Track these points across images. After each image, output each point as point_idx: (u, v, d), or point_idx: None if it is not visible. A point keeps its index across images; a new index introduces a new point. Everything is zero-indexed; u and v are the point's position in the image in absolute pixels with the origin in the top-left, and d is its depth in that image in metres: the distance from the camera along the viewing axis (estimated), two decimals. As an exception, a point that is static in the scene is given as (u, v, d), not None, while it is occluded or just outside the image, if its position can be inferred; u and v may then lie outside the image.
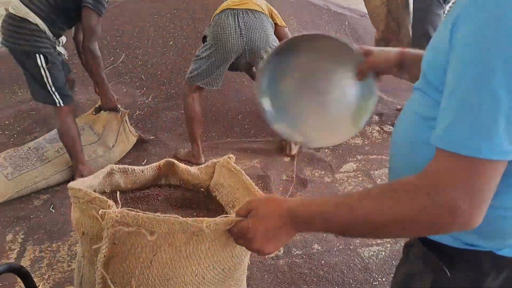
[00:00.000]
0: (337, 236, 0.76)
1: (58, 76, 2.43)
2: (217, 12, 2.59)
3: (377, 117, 3.45)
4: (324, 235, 2.14)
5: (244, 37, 2.52)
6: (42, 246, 2.12)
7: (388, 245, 2.09)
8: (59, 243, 2.14)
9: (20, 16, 2.28)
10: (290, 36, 2.66)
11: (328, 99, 1.04)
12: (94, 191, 1.01)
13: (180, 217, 0.78)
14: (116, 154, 2.85)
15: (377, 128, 3.30)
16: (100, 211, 0.81)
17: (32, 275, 1.92)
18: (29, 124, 3.29)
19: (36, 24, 2.31)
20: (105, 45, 3.92)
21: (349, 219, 0.68)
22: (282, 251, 2.04)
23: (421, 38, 3.01)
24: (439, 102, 0.64)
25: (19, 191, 2.47)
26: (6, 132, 3.24)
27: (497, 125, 0.56)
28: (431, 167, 0.62)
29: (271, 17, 2.70)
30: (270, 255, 2.01)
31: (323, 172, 2.72)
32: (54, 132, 2.83)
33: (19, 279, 1.12)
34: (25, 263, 2.01)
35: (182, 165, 1.20)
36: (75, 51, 2.92)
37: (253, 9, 2.57)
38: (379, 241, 2.12)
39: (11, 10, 2.33)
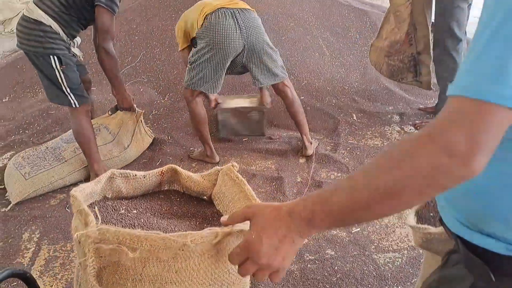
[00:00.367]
0: (342, 225, 0.70)
1: (73, 77, 2.44)
2: (208, 11, 2.49)
3: (397, 117, 3.35)
4: (338, 240, 2.08)
5: (244, 36, 2.48)
6: (56, 246, 2.15)
7: (405, 251, 2.02)
8: (73, 243, 2.14)
9: (34, 18, 2.30)
10: None
11: None
12: (93, 198, 1.00)
13: (161, 233, 0.76)
14: (132, 154, 2.86)
15: (397, 128, 3.20)
16: (75, 233, 0.80)
17: (46, 274, 1.97)
18: (49, 124, 3.35)
19: (50, 26, 2.32)
20: (123, 45, 3.95)
21: (350, 193, 0.64)
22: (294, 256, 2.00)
23: (444, 35, 2.87)
24: None
25: (36, 190, 2.51)
26: (26, 131, 3.30)
27: (508, 72, 0.55)
28: (437, 116, 0.60)
29: None
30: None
31: (339, 174, 2.65)
32: (70, 132, 2.86)
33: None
34: (39, 262, 2.04)
35: (184, 172, 1.17)
36: (93, 50, 2.94)
37: (247, 9, 2.55)
38: (395, 247, 2.04)
39: (25, 13, 2.35)
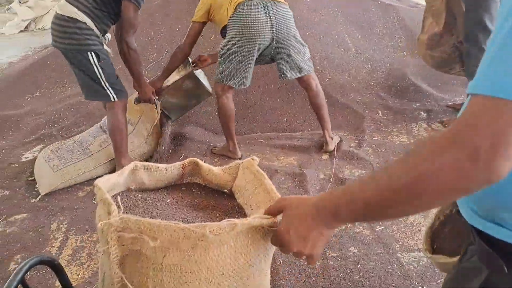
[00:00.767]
0: (366, 220, 0.74)
1: (111, 71, 2.50)
2: (239, 0, 2.47)
3: (425, 114, 3.27)
4: (362, 238, 2.05)
5: (274, 29, 2.47)
6: (83, 236, 2.20)
7: (431, 251, 1.96)
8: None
9: (68, 15, 2.33)
10: None
11: None
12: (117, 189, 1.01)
13: (181, 224, 0.77)
14: (152, 144, 2.90)
15: (424, 125, 3.12)
16: (99, 222, 0.82)
17: (73, 263, 2.02)
18: (77, 118, 3.44)
19: (85, 23, 2.35)
20: (149, 41, 4.00)
21: (374, 190, 0.65)
22: (316, 252, 1.98)
23: (475, 28, 2.76)
24: None
25: (64, 182, 2.58)
26: (56, 125, 3.40)
27: None
28: (458, 117, 0.59)
29: None
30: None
31: (363, 171, 2.61)
32: (96, 126, 2.92)
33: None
34: (67, 251, 2.10)
35: (205, 165, 1.18)
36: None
37: (280, 1, 2.52)
38: (420, 246, 2.00)
39: (58, 11, 2.38)
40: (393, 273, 1.85)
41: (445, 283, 0.84)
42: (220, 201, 1.14)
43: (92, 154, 2.71)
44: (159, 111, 2.92)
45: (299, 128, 3.17)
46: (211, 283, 0.85)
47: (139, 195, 1.12)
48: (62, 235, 2.22)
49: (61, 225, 2.30)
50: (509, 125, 0.53)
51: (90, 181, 2.67)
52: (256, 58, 2.59)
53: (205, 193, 1.17)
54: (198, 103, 3.14)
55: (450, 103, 3.39)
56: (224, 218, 0.88)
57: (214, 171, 1.16)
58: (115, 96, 2.51)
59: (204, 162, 1.23)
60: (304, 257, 0.80)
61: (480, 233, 0.70)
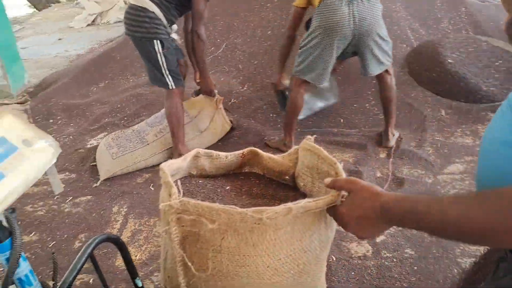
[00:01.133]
0: (429, 234, 0.73)
1: (172, 60, 2.62)
2: None
3: (492, 115, 3.06)
4: (420, 240, 1.97)
5: (356, 25, 2.39)
6: (141, 220, 2.30)
7: (495, 258, 1.85)
8: (156, 219, 2.29)
9: (140, 5, 2.49)
10: None
11: None
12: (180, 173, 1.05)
13: (238, 208, 0.78)
14: (208, 138, 2.95)
15: (491, 126, 2.93)
16: (162, 203, 0.84)
17: (131, 245, 2.11)
18: (138, 108, 3.58)
19: (154, 12, 2.50)
20: (207, 35, 4.07)
21: (440, 222, 0.65)
22: (371, 251, 1.93)
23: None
24: None
25: (122, 169, 2.71)
26: (118, 115, 3.57)
27: None
28: None
29: None
30: (359, 252, 1.91)
31: (423, 172, 2.50)
32: (154, 116, 3.03)
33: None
34: (126, 234, 2.20)
35: (265, 154, 1.18)
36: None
37: None
38: (482, 250, 1.88)
39: (131, 1, 2.55)
40: (453, 278, 1.76)
41: None
42: (279, 190, 1.14)
43: (148, 144, 2.82)
44: (219, 106, 2.98)
45: (356, 125, 3.09)
46: (268, 268, 0.86)
47: (200, 181, 1.15)
48: (122, 218, 2.33)
49: (121, 209, 2.41)
50: None
51: (148, 169, 2.78)
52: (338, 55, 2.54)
53: (263, 182, 1.17)
54: (324, 107, 3.11)
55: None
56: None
57: (275, 158, 1.17)
58: (173, 84, 2.63)
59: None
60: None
61: None
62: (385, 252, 1.92)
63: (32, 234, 2.24)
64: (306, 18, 2.74)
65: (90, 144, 3.18)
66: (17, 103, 4.01)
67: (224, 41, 4.07)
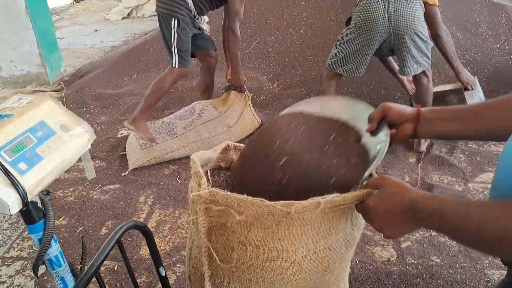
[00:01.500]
0: (451, 238, 0.73)
1: (185, 40, 2.70)
2: None
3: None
4: (446, 248, 1.93)
5: (392, 23, 2.38)
6: (166, 211, 2.34)
7: (526, 273, 1.78)
8: (181, 211, 2.32)
9: None
10: (438, 16, 2.52)
11: None
12: (209, 165, 1.06)
13: (266, 201, 0.78)
14: (236, 134, 2.97)
15: (528, 136, 2.83)
16: (191, 193, 0.85)
17: (156, 235, 2.15)
18: (168, 101, 3.64)
19: None
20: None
21: (464, 225, 0.66)
22: (395, 257, 1.90)
23: None
24: None
25: (150, 159, 2.75)
26: (149, 106, 3.63)
27: None
28: None
29: None
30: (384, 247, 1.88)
31: (453, 179, 2.43)
32: (184, 109, 3.07)
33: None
34: (151, 224, 2.24)
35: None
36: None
37: None
38: None
39: None
40: (480, 290, 1.71)
41: None
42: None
43: (176, 136, 2.85)
44: (248, 102, 2.99)
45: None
46: (293, 263, 0.86)
47: (228, 174, 1.16)
48: (148, 208, 2.37)
49: (148, 199, 2.45)
50: None
51: (175, 161, 2.82)
52: (376, 50, 2.53)
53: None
54: None
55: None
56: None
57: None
58: (176, 63, 2.72)
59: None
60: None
61: None
62: (410, 258, 1.89)
63: (61, 219, 2.31)
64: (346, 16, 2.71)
65: (121, 134, 3.25)
66: (53, 91, 4.15)
67: (256, 38, 4.07)
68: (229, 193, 0.86)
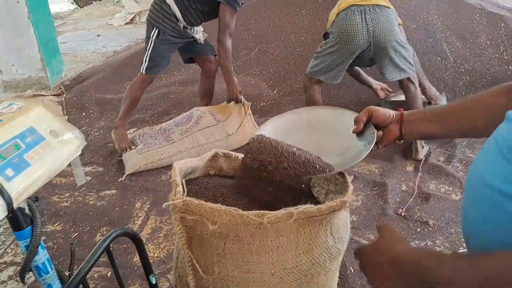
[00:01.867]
0: None
1: (160, 51, 2.75)
2: (342, 8, 2.52)
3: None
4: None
5: (371, 33, 2.44)
6: (162, 218, 2.33)
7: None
8: (176, 218, 2.31)
9: None
10: (403, 35, 2.61)
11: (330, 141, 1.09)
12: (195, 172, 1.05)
13: (240, 210, 0.77)
14: (235, 141, 2.96)
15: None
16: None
17: (151, 242, 2.14)
18: (168, 106, 3.65)
19: (169, 6, 2.63)
20: (241, 39, 4.11)
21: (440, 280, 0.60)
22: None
23: None
24: None
25: (146, 164, 2.76)
26: (148, 111, 3.65)
27: None
28: None
29: None
30: None
31: (450, 188, 2.42)
32: (182, 115, 3.07)
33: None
34: (147, 230, 2.23)
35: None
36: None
37: (380, 5, 2.46)
38: None
39: None
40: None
41: None
42: (295, 197, 1.12)
43: (173, 142, 2.86)
44: (247, 112, 2.99)
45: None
46: (274, 276, 0.85)
47: (217, 182, 1.15)
48: (144, 214, 2.37)
49: (144, 205, 2.45)
50: None
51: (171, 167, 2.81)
52: (354, 60, 2.61)
53: (281, 187, 1.16)
54: None
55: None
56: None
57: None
58: (144, 69, 2.81)
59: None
60: None
61: None
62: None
63: (56, 224, 2.31)
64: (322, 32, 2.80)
65: (119, 139, 3.25)
66: (53, 95, 4.16)
67: (257, 45, 4.09)
68: (203, 202, 0.85)
